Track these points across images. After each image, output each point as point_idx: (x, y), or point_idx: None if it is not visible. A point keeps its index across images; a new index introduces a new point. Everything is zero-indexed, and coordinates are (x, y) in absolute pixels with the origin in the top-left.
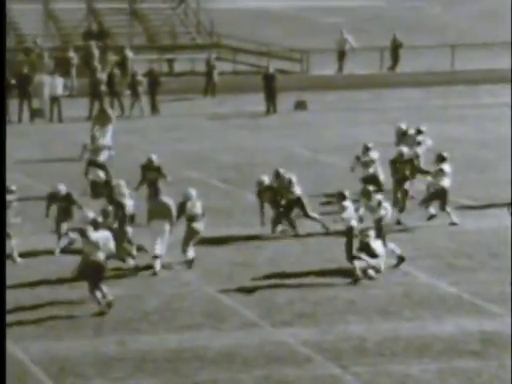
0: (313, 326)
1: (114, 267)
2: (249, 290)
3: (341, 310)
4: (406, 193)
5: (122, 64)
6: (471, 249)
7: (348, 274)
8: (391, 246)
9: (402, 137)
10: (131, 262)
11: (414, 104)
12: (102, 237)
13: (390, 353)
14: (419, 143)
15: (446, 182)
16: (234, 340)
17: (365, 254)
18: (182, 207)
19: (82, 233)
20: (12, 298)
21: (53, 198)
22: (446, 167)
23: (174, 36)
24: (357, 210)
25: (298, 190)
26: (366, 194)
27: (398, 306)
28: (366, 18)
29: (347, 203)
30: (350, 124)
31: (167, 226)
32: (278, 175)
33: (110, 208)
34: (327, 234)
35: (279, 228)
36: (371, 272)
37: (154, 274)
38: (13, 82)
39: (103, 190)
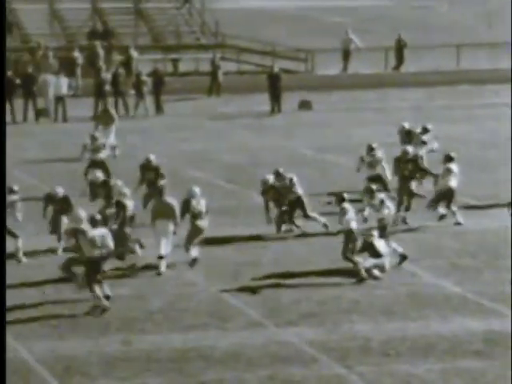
0: (318, 325)
1: (117, 267)
2: (254, 290)
3: (346, 310)
4: (411, 192)
5: (127, 64)
6: (476, 249)
7: (353, 273)
8: (393, 244)
9: (406, 136)
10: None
11: (419, 104)
12: (100, 234)
13: (395, 352)
14: (423, 142)
15: (453, 182)
16: (239, 340)
17: (368, 254)
18: (186, 205)
19: (79, 231)
20: (16, 297)
21: (50, 199)
22: (453, 167)
23: (178, 36)
24: (361, 210)
25: (298, 190)
26: (369, 193)
27: (402, 306)
28: (370, 17)
29: (346, 205)
30: (355, 124)
31: (171, 226)
32: (278, 175)
33: (110, 209)
34: (328, 233)
35: (284, 228)
36: (376, 272)
37: (159, 274)
38: (18, 81)
39: (101, 190)
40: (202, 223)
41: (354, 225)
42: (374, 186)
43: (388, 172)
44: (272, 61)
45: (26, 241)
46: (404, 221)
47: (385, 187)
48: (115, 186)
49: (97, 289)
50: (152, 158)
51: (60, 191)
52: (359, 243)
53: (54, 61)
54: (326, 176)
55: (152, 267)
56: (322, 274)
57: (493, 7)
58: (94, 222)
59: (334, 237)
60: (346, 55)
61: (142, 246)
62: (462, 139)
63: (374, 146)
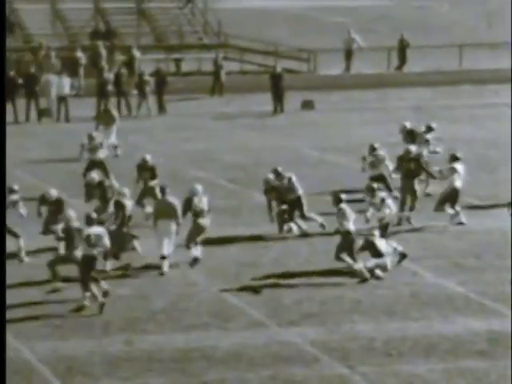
0: (320, 325)
1: (119, 267)
2: (255, 290)
3: (348, 310)
4: (414, 192)
5: (129, 64)
6: (479, 249)
7: (355, 273)
8: (393, 243)
9: (408, 135)
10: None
11: (421, 104)
12: (95, 233)
13: (397, 352)
14: (427, 140)
15: (458, 182)
16: (241, 340)
17: (370, 254)
18: (188, 203)
19: (75, 229)
20: (19, 297)
21: (43, 200)
22: (458, 167)
23: (181, 36)
24: (365, 211)
25: (299, 190)
26: (370, 191)
27: (405, 306)
28: (373, 17)
29: (344, 205)
30: (358, 124)
31: (173, 226)
32: (277, 174)
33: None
34: (330, 233)
35: (285, 227)
36: (378, 272)
37: (162, 274)
38: (20, 81)
39: (96, 191)
40: (204, 221)
41: (351, 226)
42: (375, 185)
43: (389, 169)
44: (274, 61)
45: (28, 241)
46: (409, 220)
47: (387, 187)
48: (111, 187)
49: (93, 287)
50: (148, 158)
51: (53, 193)
52: (359, 243)
53: (56, 61)
54: (329, 176)
55: (154, 267)
56: (324, 273)
57: (493, 7)
58: (89, 221)
59: (335, 237)
60: (349, 55)
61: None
62: (464, 139)
63: (376, 145)
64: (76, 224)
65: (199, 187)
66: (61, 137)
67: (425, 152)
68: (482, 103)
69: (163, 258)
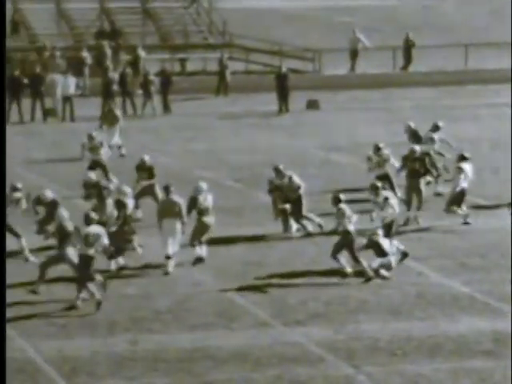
0: (325, 325)
1: (121, 267)
2: (261, 290)
3: (353, 310)
4: (420, 192)
5: (135, 63)
6: (484, 248)
7: (360, 273)
8: (395, 242)
9: (413, 135)
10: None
11: (426, 103)
12: (94, 232)
13: (402, 352)
14: (432, 139)
15: (464, 182)
16: (246, 340)
17: (374, 253)
18: (193, 201)
19: (74, 228)
20: (24, 296)
21: (39, 202)
22: (466, 166)
23: (186, 35)
24: (370, 211)
25: (299, 189)
26: (374, 190)
27: (410, 306)
28: (378, 17)
29: (343, 206)
30: (363, 123)
31: (178, 225)
32: (277, 171)
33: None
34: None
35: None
36: (384, 272)
37: (167, 273)
38: (25, 81)
39: (93, 190)
40: (209, 219)
41: (350, 226)
42: (379, 184)
43: (395, 168)
44: (280, 60)
45: (33, 239)
46: (417, 220)
47: (391, 186)
48: (106, 188)
49: (90, 285)
50: (146, 158)
51: (49, 194)
52: (363, 242)
53: (61, 61)
54: (334, 175)
55: (159, 266)
56: (329, 273)
57: (499, 6)
58: (88, 220)
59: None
60: (354, 55)
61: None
62: (469, 139)
63: (381, 145)
64: (69, 224)
65: (204, 185)
66: (66, 136)
67: (431, 150)
68: (487, 103)
69: (168, 257)
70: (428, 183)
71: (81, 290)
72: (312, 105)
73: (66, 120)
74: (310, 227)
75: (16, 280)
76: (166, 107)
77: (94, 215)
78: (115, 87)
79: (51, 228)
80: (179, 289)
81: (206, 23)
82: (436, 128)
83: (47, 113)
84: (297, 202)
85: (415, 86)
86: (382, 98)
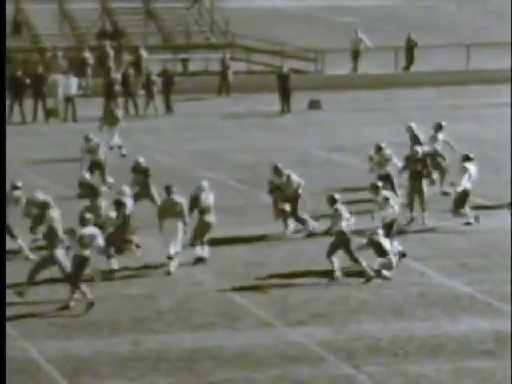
0: (327, 325)
1: (122, 267)
2: (263, 290)
3: (354, 310)
4: (422, 193)
5: (137, 64)
6: (485, 249)
7: (362, 273)
8: (393, 242)
9: (414, 136)
10: (139, 253)
11: (428, 104)
12: (89, 233)
13: (404, 352)
14: (434, 137)
15: (468, 183)
16: (249, 340)
17: (374, 253)
18: (195, 200)
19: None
20: (26, 296)
21: (30, 203)
22: (470, 167)
23: (188, 35)
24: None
25: (298, 188)
26: (374, 189)
27: (412, 306)
28: (380, 17)
29: (339, 206)
30: (365, 123)
31: (180, 225)
32: (276, 170)
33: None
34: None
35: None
36: (385, 272)
37: (168, 273)
38: (27, 81)
39: (87, 190)
40: (210, 218)
41: (344, 226)
42: (380, 184)
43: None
44: (282, 61)
45: (34, 239)
46: (423, 221)
47: (392, 186)
48: (97, 189)
49: (82, 286)
50: (141, 160)
51: (40, 196)
52: (361, 242)
53: (63, 61)
54: (336, 175)
55: (159, 267)
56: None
57: (502, 6)
58: (83, 221)
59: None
60: (356, 55)
61: (137, 246)
62: (471, 139)
63: (383, 145)
64: (58, 225)
65: (205, 183)
66: (68, 137)
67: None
68: (489, 103)
69: (170, 258)
70: (431, 183)
71: (74, 290)
72: (314, 105)
73: (68, 120)
74: (311, 226)
75: (17, 280)
76: (168, 107)
77: (89, 216)
78: (117, 87)
79: (42, 229)
80: (181, 289)
81: (208, 23)
82: (439, 127)
83: (49, 113)
84: (294, 201)
85: (417, 86)
86: (384, 98)
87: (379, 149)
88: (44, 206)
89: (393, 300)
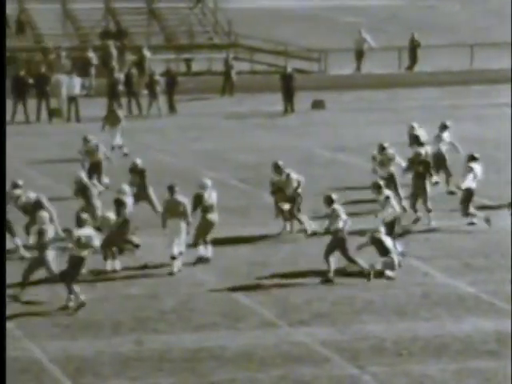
0: (330, 325)
1: (123, 267)
2: (266, 290)
3: (358, 310)
4: (425, 193)
5: (140, 64)
6: (489, 249)
7: (362, 273)
8: (395, 243)
9: (415, 137)
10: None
11: (431, 104)
12: (86, 234)
13: (408, 353)
14: (438, 136)
15: (472, 183)
16: (251, 340)
17: (377, 251)
18: (198, 198)
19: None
20: (28, 295)
21: (24, 203)
22: (475, 167)
23: (191, 35)
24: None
25: (299, 187)
26: (376, 188)
27: (415, 306)
28: (384, 17)
29: (337, 206)
30: (368, 123)
31: (183, 225)
32: (276, 167)
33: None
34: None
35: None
36: (389, 272)
37: (171, 273)
38: (31, 81)
39: (82, 190)
40: (213, 217)
41: (340, 225)
42: (381, 183)
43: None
44: (285, 61)
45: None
46: (429, 222)
47: (394, 186)
48: (94, 189)
49: (74, 287)
50: (138, 161)
51: (32, 196)
52: (364, 241)
53: (66, 61)
54: (339, 175)
55: (159, 267)
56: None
57: (505, 6)
58: (80, 222)
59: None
60: (360, 55)
61: (136, 246)
62: (474, 139)
63: (386, 145)
64: (49, 226)
65: (208, 182)
66: (71, 137)
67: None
68: (492, 103)
69: (173, 258)
70: (435, 184)
71: (70, 290)
72: (317, 105)
73: (72, 120)
74: (312, 226)
75: (18, 279)
76: (172, 107)
77: (85, 216)
78: (121, 87)
79: (34, 230)
80: (184, 289)
81: (212, 23)
82: (444, 127)
83: (52, 113)
84: (292, 200)
85: (421, 86)
86: (387, 98)
87: (382, 148)
88: (36, 207)
89: (396, 300)
